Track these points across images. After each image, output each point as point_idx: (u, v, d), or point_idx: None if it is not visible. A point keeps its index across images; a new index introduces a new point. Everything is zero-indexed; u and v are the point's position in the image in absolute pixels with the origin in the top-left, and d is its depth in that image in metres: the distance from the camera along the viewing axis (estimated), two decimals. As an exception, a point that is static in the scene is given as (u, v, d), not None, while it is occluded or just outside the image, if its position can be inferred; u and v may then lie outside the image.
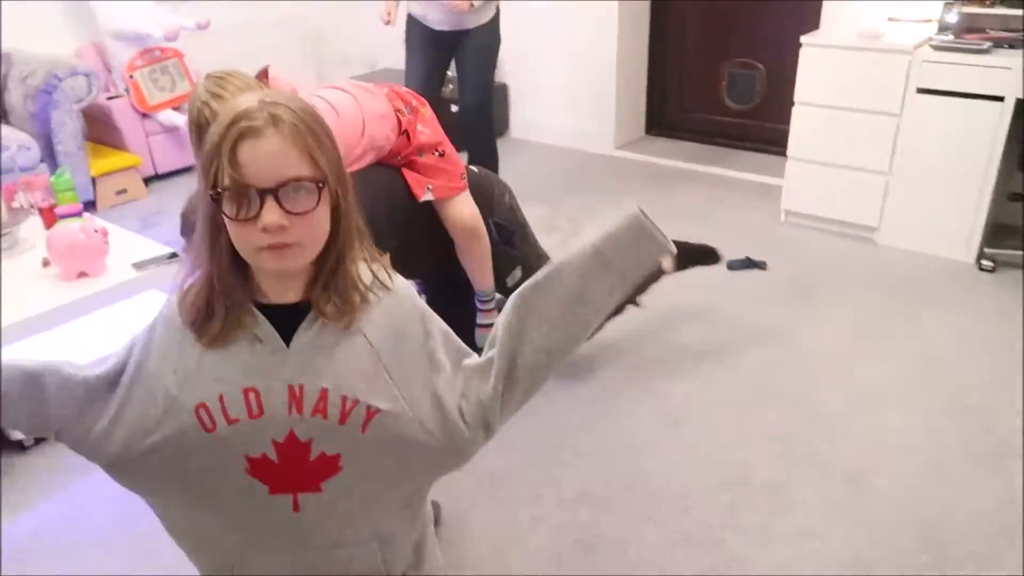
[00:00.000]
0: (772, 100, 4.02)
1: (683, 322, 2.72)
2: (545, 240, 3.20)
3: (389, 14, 3.31)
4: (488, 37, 3.32)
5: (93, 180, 3.71)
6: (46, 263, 2.25)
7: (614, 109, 4.28)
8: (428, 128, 2.10)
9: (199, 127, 1.61)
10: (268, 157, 0.89)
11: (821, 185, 3.26)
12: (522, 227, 2.39)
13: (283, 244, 0.91)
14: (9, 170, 3.32)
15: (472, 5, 3.11)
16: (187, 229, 1.85)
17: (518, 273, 2.34)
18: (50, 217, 2.47)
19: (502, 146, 4.47)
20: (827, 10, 3.50)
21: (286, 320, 0.98)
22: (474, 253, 2.25)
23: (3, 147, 3.29)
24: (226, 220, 0.91)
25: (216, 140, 0.90)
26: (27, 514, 1.97)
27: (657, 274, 2.49)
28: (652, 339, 2.64)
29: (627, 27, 4.15)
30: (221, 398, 0.96)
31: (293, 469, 1.00)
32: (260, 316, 0.98)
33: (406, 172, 2.09)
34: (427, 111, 2.12)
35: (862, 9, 3.36)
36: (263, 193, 0.89)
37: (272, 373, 0.97)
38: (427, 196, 2.09)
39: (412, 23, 3.33)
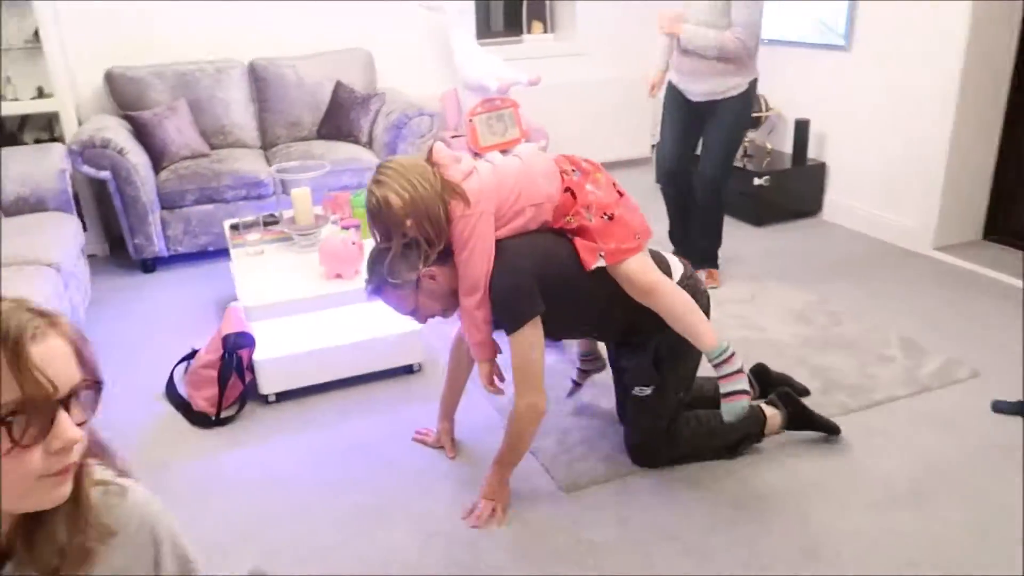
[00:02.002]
0: None
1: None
2: (790, 328, 3.04)
3: (653, 87, 3.44)
4: (737, 111, 3.28)
5: (421, 203, 4.41)
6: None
7: (939, 202, 3.77)
8: (600, 190, 2.06)
9: (370, 212, 1.95)
10: (52, 360, 0.74)
11: None
12: (681, 356, 2.18)
13: (71, 465, 0.76)
14: (359, 186, 4.13)
15: (677, 36, 3.17)
16: None
17: (648, 391, 2.18)
18: (347, 223, 3.07)
19: (811, 226, 4.29)
20: None
21: None
22: (665, 311, 2.05)
23: (365, 168, 4.12)
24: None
25: None
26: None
27: (757, 435, 2.34)
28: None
29: (973, 107, 3.64)
30: None
31: None
32: None
33: (577, 241, 2.03)
34: (602, 176, 2.11)
35: None
36: (55, 403, 0.73)
37: None
38: (599, 263, 2.00)
39: (670, 88, 3.42)
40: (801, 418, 2.36)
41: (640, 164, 5.47)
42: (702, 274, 3.48)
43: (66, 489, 0.77)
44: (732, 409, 2.05)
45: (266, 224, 3.09)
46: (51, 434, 0.72)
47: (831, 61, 4.19)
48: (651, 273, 2.06)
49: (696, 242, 3.56)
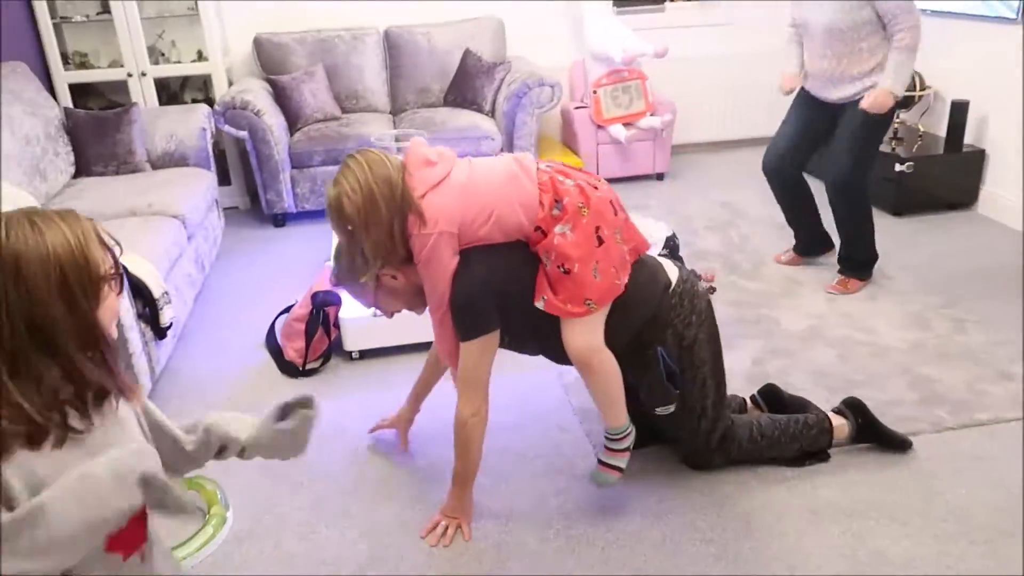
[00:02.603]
0: None
1: None
2: (904, 332, 2.78)
3: (790, 89, 3.19)
4: (869, 112, 2.90)
5: (538, 173, 4.41)
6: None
7: (1114, 203, 3.28)
8: (575, 236, 1.80)
9: (326, 206, 1.81)
10: None
11: None
12: (696, 367, 2.00)
13: None
14: (475, 153, 4.20)
15: (895, 98, 2.86)
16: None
17: (671, 408, 1.99)
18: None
19: (961, 220, 3.89)
20: None
21: None
22: (590, 385, 1.97)
23: (482, 136, 4.18)
24: None
25: None
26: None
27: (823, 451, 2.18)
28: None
29: None
30: None
31: (131, 525, 1.05)
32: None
33: (541, 268, 1.86)
34: (587, 219, 1.81)
35: None
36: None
37: (96, 452, 1.01)
38: (539, 304, 1.85)
39: (802, 91, 3.16)
40: (870, 430, 2.17)
41: (781, 143, 5.14)
42: (837, 278, 3.22)
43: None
44: (603, 479, 2.02)
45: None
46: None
47: (999, 34, 3.71)
48: (588, 344, 1.88)
49: (841, 253, 3.26)
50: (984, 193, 3.94)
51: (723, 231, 3.87)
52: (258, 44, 4.45)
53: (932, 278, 3.27)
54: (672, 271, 2.03)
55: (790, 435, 2.13)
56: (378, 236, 1.77)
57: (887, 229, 3.81)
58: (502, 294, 1.85)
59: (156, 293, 2.56)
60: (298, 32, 4.47)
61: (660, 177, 4.72)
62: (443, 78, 4.58)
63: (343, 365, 2.86)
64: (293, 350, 2.84)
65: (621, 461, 2.00)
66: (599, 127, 4.51)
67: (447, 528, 2.01)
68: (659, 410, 2.00)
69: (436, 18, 4.63)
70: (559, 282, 1.82)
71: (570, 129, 4.65)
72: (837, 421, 2.18)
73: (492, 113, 4.45)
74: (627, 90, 4.48)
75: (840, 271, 3.24)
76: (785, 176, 3.25)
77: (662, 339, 1.96)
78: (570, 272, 1.80)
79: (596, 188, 1.88)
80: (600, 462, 2.03)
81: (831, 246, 3.37)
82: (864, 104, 2.88)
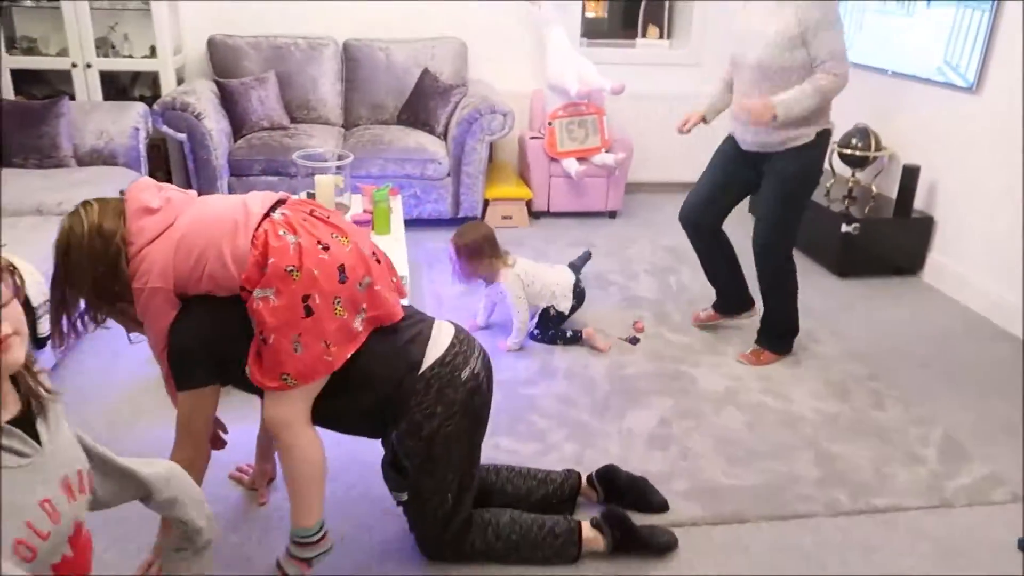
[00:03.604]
0: None
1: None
2: (820, 403, 2.68)
3: (687, 123, 3.00)
4: (795, 165, 2.74)
5: (486, 201, 4.31)
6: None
7: (1050, 284, 3.21)
8: (278, 301, 1.62)
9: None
10: None
11: None
12: (433, 461, 1.77)
13: (3, 336, 0.97)
14: (420, 177, 4.10)
15: (774, 117, 2.62)
16: None
17: (404, 496, 1.84)
18: (359, 218, 3.03)
19: (904, 286, 3.82)
20: None
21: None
22: (283, 465, 1.78)
23: (428, 159, 4.08)
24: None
25: None
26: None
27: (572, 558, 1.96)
28: None
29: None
30: (29, 524, 0.99)
31: (79, 554, 1.08)
32: (13, 429, 1.00)
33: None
34: (296, 284, 1.62)
35: None
36: None
37: (48, 476, 1.02)
38: (247, 370, 1.70)
39: (728, 138, 2.97)
40: (631, 541, 1.97)
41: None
42: (751, 347, 3.05)
43: (13, 357, 0.97)
44: (290, 568, 1.79)
45: (286, 206, 3.11)
46: None
47: (954, 102, 3.66)
48: (284, 421, 1.72)
49: (763, 315, 3.07)
50: (930, 261, 3.87)
51: (663, 277, 3.78)
52: (212, 45, 4.35)
53: (863, 346, 3.18)
54: (437, 349, 1.78)
55: (531, 541, 1.92)
56: (81, 285, 1.69)
57: (829, 290, 3.73)
58: (221, 352, 1.71)
59: (36, 301, 2.43)
60: (253, 36, 4.37)
61: (612, 215, 4.64)
62: (399, 95, 4.49)
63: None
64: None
65: (299, 572, 1.79)
66: (553, 159, 4.42)
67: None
68: (393, 495, 1.85)
69: (398, 34, 4.55)
70: (261, 350, 1.66)
71: (524, 159, 4.57)
72: (590, 533, 1.97)
73: (444, 136, 4.36)
74: (583, 124, 4.40)
75: (757, 340, 3.08)
76: (701, 229, 3.07)
77: (397, 424, 1.76)
78: (267, 342, 1.63)
79: (328, 248, 1.67)
80: (290, 554, 1.79)
81: (751, 307, 3.22)
82: (745, 104, 2.68)
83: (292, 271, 1.63)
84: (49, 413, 1.07)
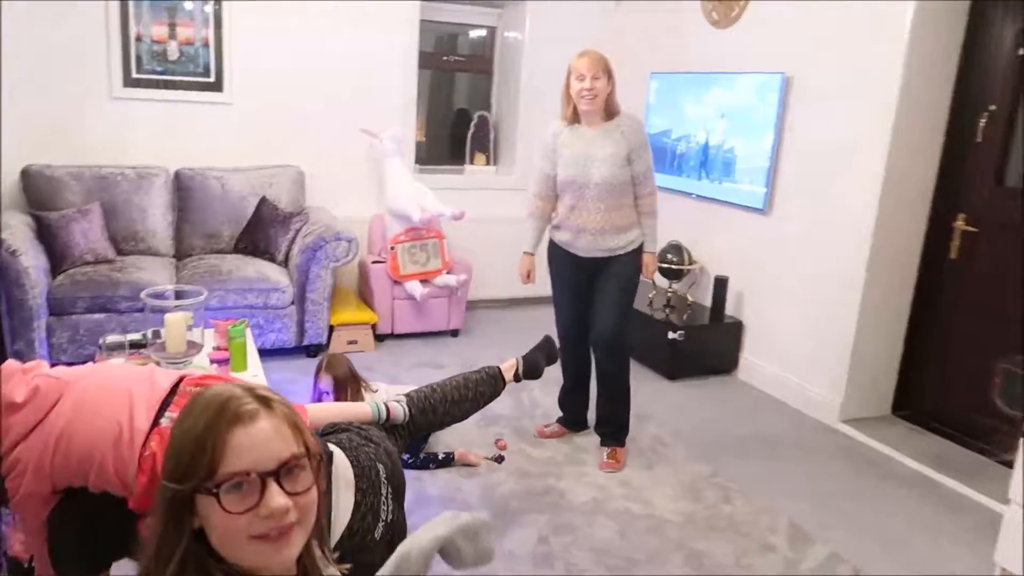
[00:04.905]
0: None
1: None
2: (678, 504, 2.88)
3: (529, 274, 3.36)
4: (634, 263, 3.18)
5: (331, 328, 4.29)
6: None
7: (847, 375, 3.72)
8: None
9: None
10: (265, 440, 0.91)
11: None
12: None
13: (287, 526, 0.90)
14: (263, 306, 4.02)
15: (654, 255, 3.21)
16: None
17: None
18: (215, 356, 2.92)
19: (724, 384, 4.20)
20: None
21: None
22: None
23: (271, 288, 4.02)
24: (218, 515, 0.87)
25: (200, 431, 0.89)
26: None
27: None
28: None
29: (880, 283, 3.64)
30: None
31: None
32: None
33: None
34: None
35: None
36: (264, 477, 0.89)
37: None
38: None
39: (555, 249, 3.27)
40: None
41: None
42: (604, 452, 3.24)
43: (288, 553, 0.91)
44: None
45: (132, 347, 2.93)
46: (260, 503, 0.87)
47: (752, 222, 4.23)
48: None
49: (602, 416, 3.33)
50: (743, 360, 4.35)
51: (515, 394, 3.93)
52: (26, 176, 4.07)
53: (700, 445, 3.48)
54: (341, 519, 1.67)
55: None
56: None
57: (663, 393, 4.06)
58: (105, 540, 1.62)
59: None
60: (75, 166, 4.16)
61: (455, 333, 4.77)
62: (235, 224, 4.41)
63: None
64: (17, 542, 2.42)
65: None
66: (396, 282, 4.51)
67: None
68: None
69: (233, 162, 4.51)
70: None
71: (367, 283, 4.62)
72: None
73: (286, 263, 4.33)
74: (424, 248, 4.56)
75: (604, 443, 3.29)
76: (580, 349, 3.35)
77: None
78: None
79: None
80: None
81: (587, 427, 3.51)
82: (644, 274, 3.21)
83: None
84: None
